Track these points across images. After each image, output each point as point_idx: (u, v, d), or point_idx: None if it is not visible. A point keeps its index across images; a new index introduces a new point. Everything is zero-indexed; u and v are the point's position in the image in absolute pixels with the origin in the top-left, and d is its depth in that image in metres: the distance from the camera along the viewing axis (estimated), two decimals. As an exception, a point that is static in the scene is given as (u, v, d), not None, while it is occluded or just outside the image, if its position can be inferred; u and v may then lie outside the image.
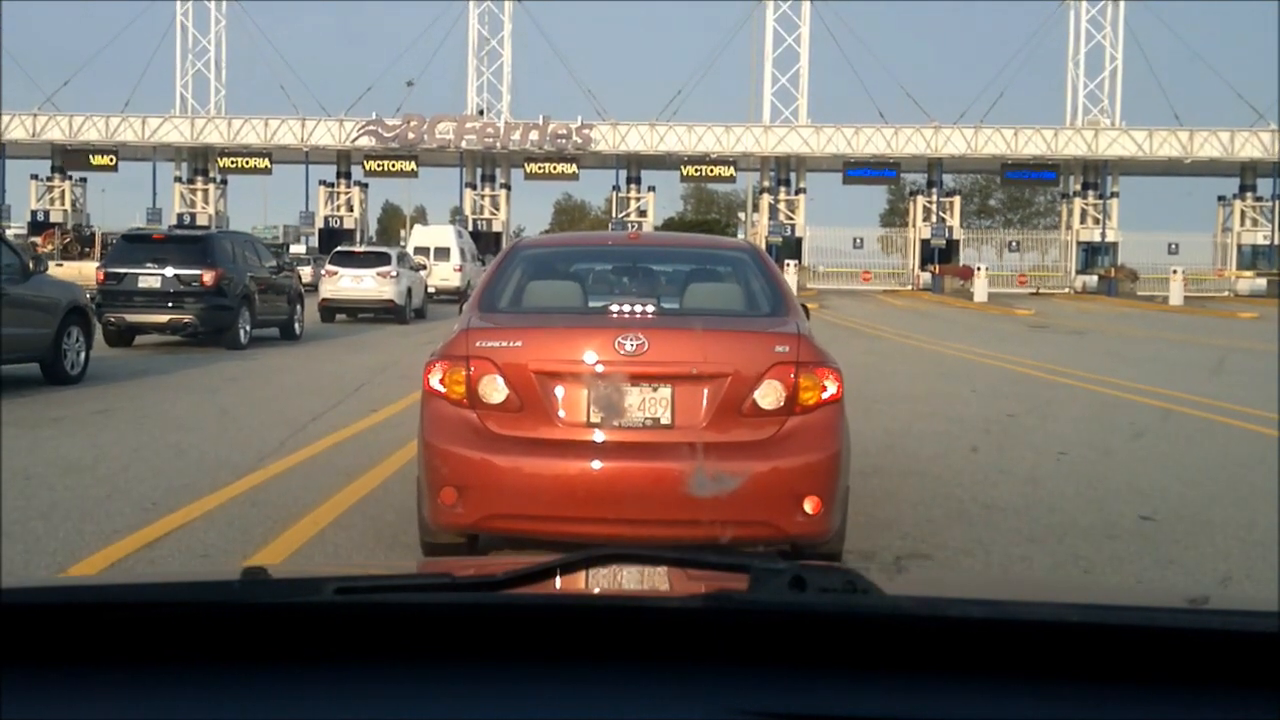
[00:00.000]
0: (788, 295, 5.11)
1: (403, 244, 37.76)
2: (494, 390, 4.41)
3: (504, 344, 4.46)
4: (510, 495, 4.34)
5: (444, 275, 34.47)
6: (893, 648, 1.24)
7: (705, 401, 4.37)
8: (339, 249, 26.93)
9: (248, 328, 16.63)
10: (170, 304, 15.92)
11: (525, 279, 5.34)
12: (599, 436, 4.37)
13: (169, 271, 15.94)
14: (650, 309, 4.99)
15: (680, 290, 5.56)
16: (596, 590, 1.53)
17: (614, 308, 4.97)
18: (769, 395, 4.38)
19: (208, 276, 15.94)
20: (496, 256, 5.72)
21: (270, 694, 1.19)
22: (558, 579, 1.44)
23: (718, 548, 4.18)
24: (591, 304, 5.30)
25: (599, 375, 4.37)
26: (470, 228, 44.54)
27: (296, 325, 18.86)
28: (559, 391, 4.39)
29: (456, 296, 34.30)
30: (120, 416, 9.46)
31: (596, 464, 4.31)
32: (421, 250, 33.98)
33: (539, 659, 1.24)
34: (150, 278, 15.95)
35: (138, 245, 16.78)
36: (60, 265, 25.79)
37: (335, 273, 23.78)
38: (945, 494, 6.67)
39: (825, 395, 4.43)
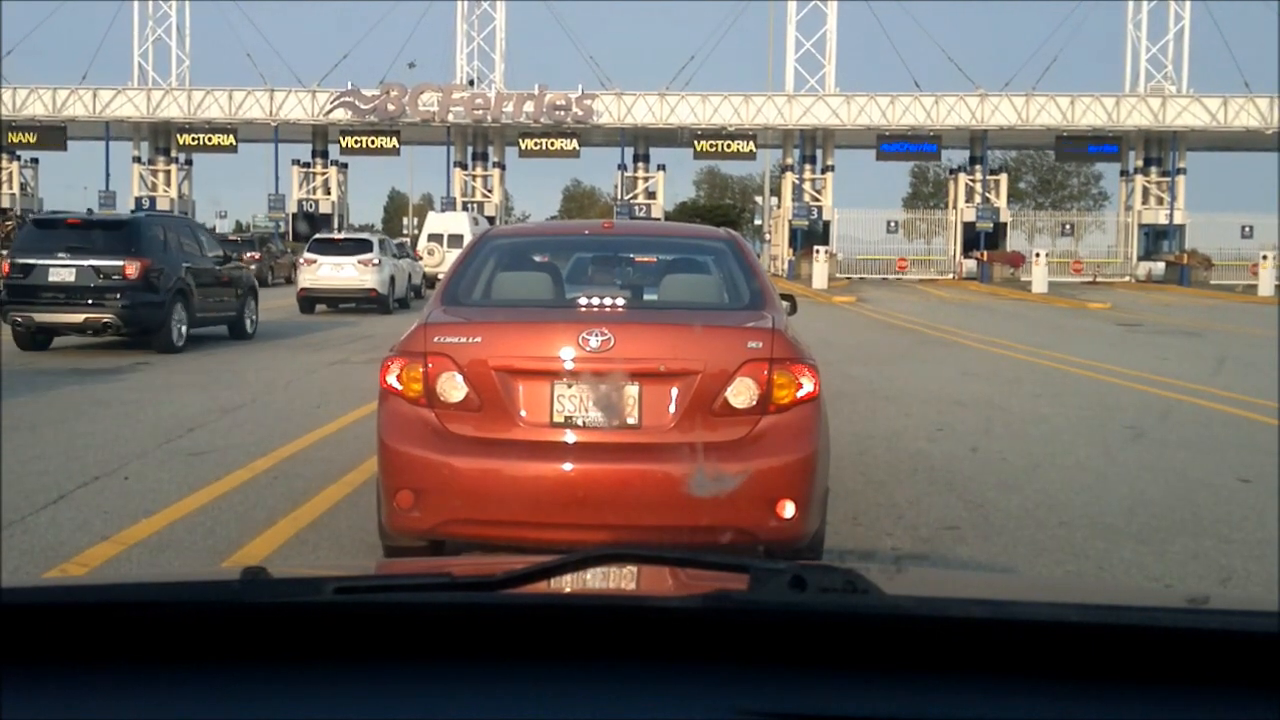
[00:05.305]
0: (766, 287, 5.01)
1: (410, 231, 37.62)
2: (452, 388, 4.39)
3: (463, 340, 4.46)
4: (469, 499, 4.34)
5: None
6: (893, 648, 1.28)
7: (674, 400, 4.35)
8: (318, 236, 26.24)
9: (184, 327, 15.13)
10: (89, 300, 14.28)
11: (493, 270, 5.33)
12: (562, 437, 4.37)
13: (86, 262, 14.33)
14: (620, 302, 5.04)
15: (655, 282, 5.50)
16: (596, 590, 1.58)
17: (582, 301, 5.01)
18: (741, 393, 4.33)
19: (131, 268, 14.29)
20: (465, 246, 5.65)
21: (270, 694, 1.24)
22: (557, 579, 1.47)
23: (717, 548, 4.20)
24: (560, 297, 5.27)
25: (562, 373, 4.38)
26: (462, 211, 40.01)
27: (248, 322, 17.35)
28: (520, 390, 4.39)
29: None
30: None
31: (559, 466, 4.31)
32: (435, 237, 33.94)
33: (538, 659, 1.29)
34: (63, 269, 14.30)
35: (50, 232, 15.00)
36: None
37: (314, 261, 23.16)
38: None
39: (801, 393, 4.36)
